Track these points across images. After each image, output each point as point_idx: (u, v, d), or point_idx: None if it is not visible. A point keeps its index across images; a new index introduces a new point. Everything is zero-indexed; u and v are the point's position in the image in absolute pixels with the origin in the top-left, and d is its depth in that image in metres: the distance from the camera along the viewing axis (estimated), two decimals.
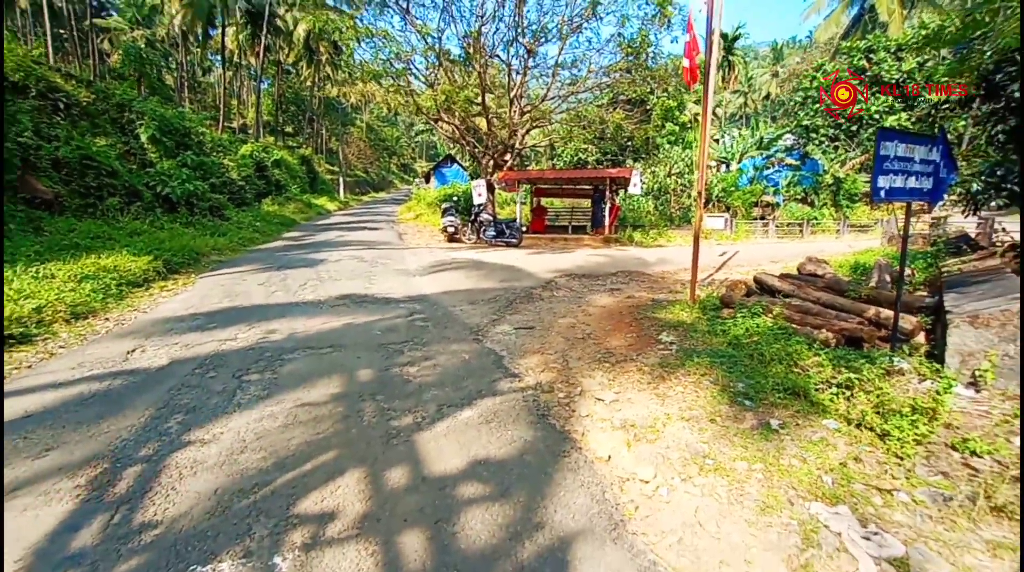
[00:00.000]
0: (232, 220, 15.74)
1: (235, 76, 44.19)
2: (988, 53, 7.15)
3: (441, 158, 45.01)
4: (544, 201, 20.93)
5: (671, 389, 4.42)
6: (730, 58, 33.21)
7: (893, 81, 24.95)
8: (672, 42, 18.67)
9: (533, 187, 20.09)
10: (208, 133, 21.88)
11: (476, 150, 18.90)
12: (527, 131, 19.94)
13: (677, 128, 29.65)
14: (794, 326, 5.31)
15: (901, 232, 6.56)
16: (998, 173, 7.04)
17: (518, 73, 17.37)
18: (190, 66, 44.30)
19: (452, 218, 16.09)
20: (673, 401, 4.20)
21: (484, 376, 4.74)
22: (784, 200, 26.10)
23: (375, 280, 9.20)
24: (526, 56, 17.15)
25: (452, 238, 16.01)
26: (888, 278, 7.53)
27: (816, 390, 4.05)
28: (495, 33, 16.46)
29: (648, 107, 29.75)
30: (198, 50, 39.26)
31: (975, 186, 7.39)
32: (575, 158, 31.69)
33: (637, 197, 23.64)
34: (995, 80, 7.22)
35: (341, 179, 37.75)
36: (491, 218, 15.66)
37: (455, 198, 19.82)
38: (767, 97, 53.03)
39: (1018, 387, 3.66)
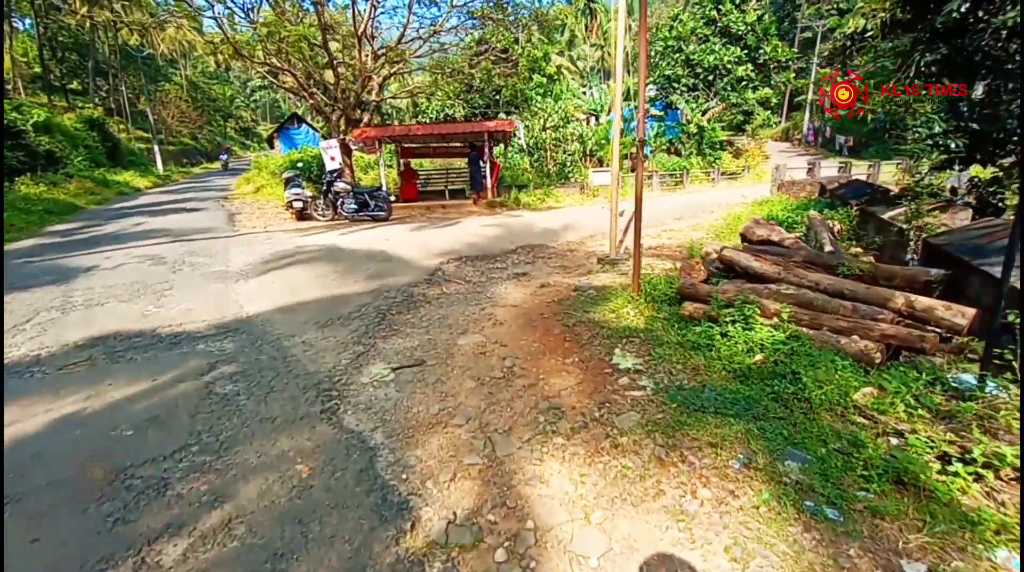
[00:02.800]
0: None
1: None
2: None
3: (286, 118, 38.24)
4: (413, 163, 17.88)
5: (681, 490, 2.43)
6: (592, 6, 32.01)
7: (740, 32, 25.62)
8: None
9: (399, 147, 16.90)
10: None
11: (323, 104, 15.07)
12: (384, 80, 16.49)
13: (545, 80, 28.00)
14: (803, 330, 3.62)
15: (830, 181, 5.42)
16: (963, 111, 6.07)
17: (366, 0, 13.79)
18: None
19: (298, 190, 12.50)
20: (703, 525, 2.21)
21: (344, 534, 2.28)
22: (652, 151, 26.11)
23: (169, 297, 5.91)
24: None
25: (301, 215, 12.50)
26: (830, 236, 6.40)
27: (929, 472, 2.33)
28: None
29: (514, 58, 27.51)
30: None
31: (953, 144, 6.05)
32: (441, 115, 28.55)
33: (512, 155, 21.70)
34: None
35: (156, 148, 29.89)
36: (350, 187, 12.42)
37: (301, 164, 15.86)
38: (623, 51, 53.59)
39: None
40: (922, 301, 3.44)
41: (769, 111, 26.32)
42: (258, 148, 51.08)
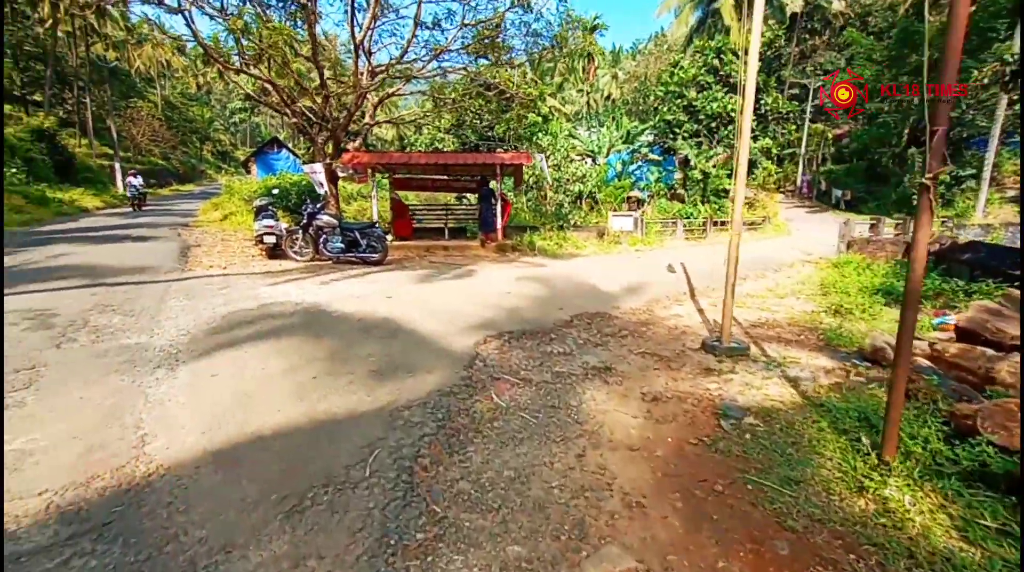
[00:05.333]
0: None
1: None
2: None
3: (265, 142, 35.57)
4: (400, 196, 15.52)
5: None
6: (590, 49, 31.23)
7: (741, 82, 24.87)
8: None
9: (392, 178, 14.57)
10: None
11: (309, 125, 12.70)
12: (380, 102, 14.32)
13: (540, 119, 26.65)
14: None
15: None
16: None
17: (363, 10, 11.69)
18: None
19: (271, 222, 9.91)
20: None
21: None
22: (650, 195, 24.63)
23: (15, 409, 3.24)
24: None
25: (273, 253, 9.88)
26: None
27: None
28: None
29: (507, 95, 26.12)
30: None
31: None
32: (431, 149, 26.65)
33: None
34: None
35: (117, 166, 26.64)
36: (336, 221, 9.93)
37: (277, 191, 13.21)
38: (608, 98, 53.97)
39: None
40: None
41: (770, 161, 25.45)
42: (234, 172, 47.97)
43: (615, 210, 18.19)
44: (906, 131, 27.01)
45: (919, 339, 4.58)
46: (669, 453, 3.12)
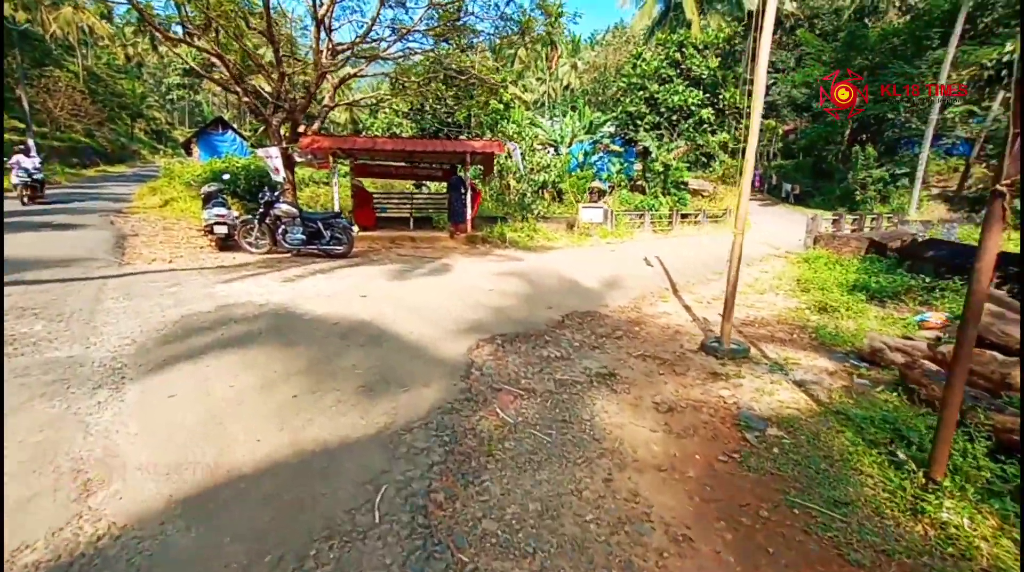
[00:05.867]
0: None
1: None
2: None
3: (209, 122, 32.91)
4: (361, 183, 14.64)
5: None
6: (555, 37, 30.87)
7: (701, 76, 25.37)
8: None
9: (353, 164, 13.71)
10: None
11: (263, 104, 11.62)
12: (342, 83, 13.38)
13: (501, 107, 26.11)
14: None
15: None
16: None
17: None
18: None
19: (222, 210, 8.98)
20: None
21: None
22: (611, 187, 24.77)
23: None
24: None
25: (224, 245, 8.99)
26: None
27: None
28: None
29: (471, 81, 25.41)
30: None
31: None
32: (388, 134, 25.57)
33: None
34: None
35: (31, 142, 23.68)
36: (297, 211, 9.13)
37: (228, 176, 12.06)
38: (567, 87, 53.86)
39: None
40: None
41: (728, 155, 26.16)
42: (172, 153, 44.28)
43: (581, 201, 18.10)
44: (847, 132, 28.51)
45: (910, 339, 4.60)
46: (701, 473, 2.89)
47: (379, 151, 11.84)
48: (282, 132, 11.49)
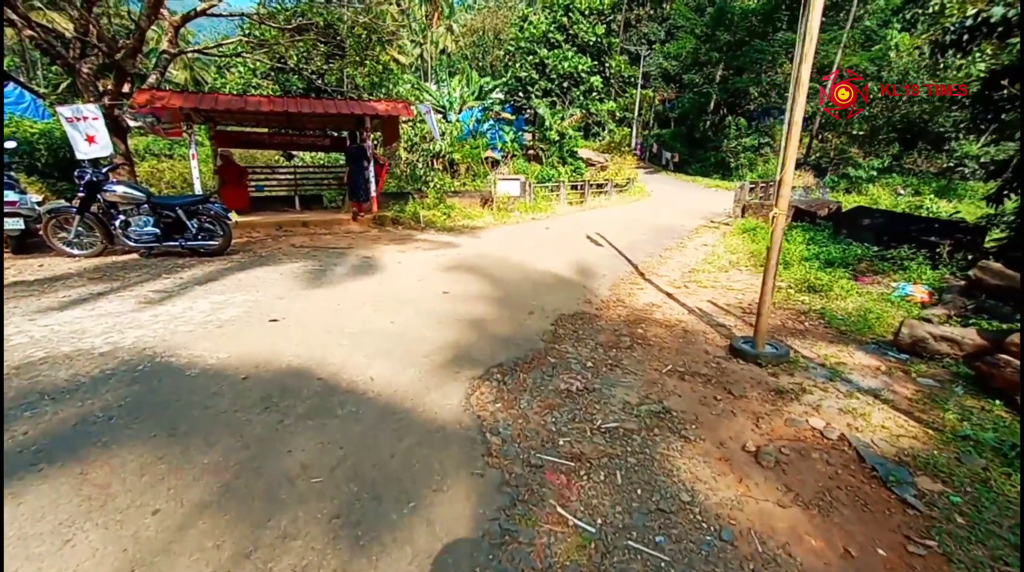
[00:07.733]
0: None
1: None
2: None
3: None
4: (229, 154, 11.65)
5: None
6: None
7: (589, 43, 25.11)
8: None
9: (213, 131, 10.72)
10: None
11: (64, 47, 8.13)
12: (186, 21, 10.13)
13: (380, 67, 23.31)
14: None
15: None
16: None
17: None
18: None
19: (13, 195, 6.06)
20: None
21: None
22: (504, 155, 23.78)
23: None
24: None
25: (22, 246, 6.14)
26: None
27: None
28: None
29: (340, 38, 22.05)
30: None
31: None
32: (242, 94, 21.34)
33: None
34: None
35: None
36: (143, 194, 6.50)
37: (13, 145, 8.25)
38: (443, 51, 50.82)
39: None
40: None
41: (616, 123, 26.60)
42: None
43: (475, 173, 16.77)
44: (712, 103, 30.69)
45: (928, 321, 4.31)
46: None
47: (251, 114, 9.21)
48: (100, 86, 8.28)
